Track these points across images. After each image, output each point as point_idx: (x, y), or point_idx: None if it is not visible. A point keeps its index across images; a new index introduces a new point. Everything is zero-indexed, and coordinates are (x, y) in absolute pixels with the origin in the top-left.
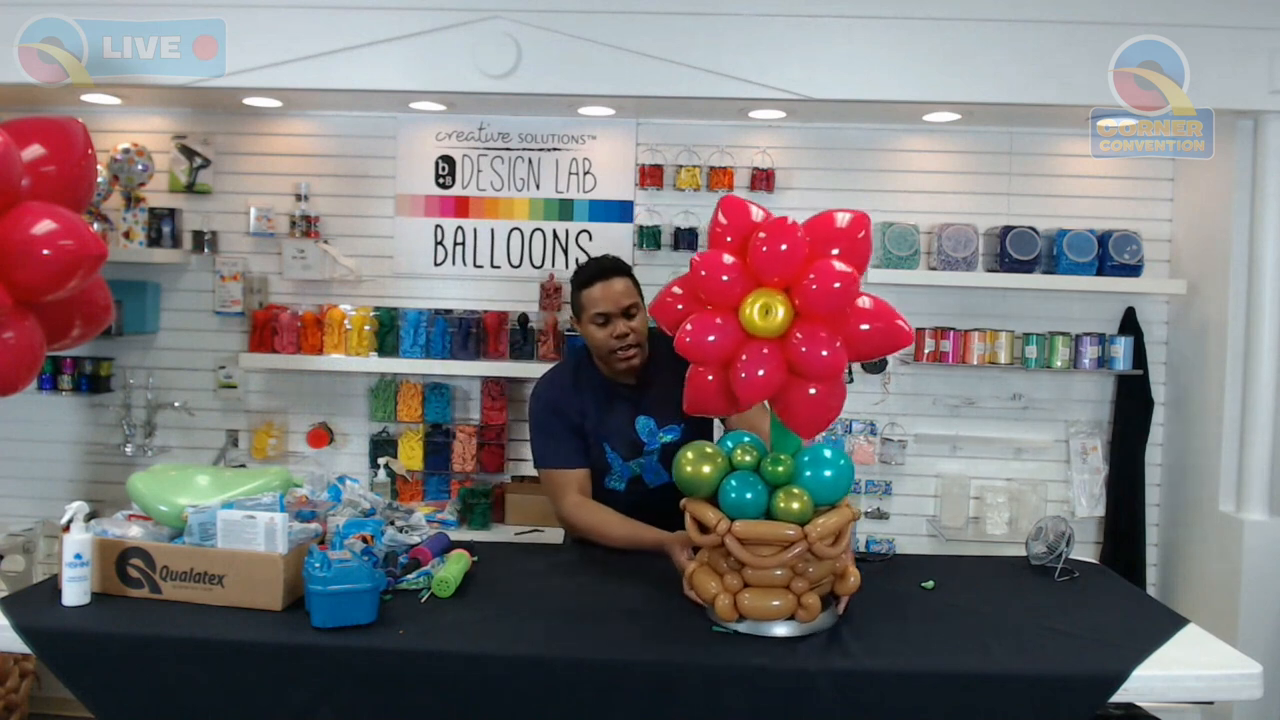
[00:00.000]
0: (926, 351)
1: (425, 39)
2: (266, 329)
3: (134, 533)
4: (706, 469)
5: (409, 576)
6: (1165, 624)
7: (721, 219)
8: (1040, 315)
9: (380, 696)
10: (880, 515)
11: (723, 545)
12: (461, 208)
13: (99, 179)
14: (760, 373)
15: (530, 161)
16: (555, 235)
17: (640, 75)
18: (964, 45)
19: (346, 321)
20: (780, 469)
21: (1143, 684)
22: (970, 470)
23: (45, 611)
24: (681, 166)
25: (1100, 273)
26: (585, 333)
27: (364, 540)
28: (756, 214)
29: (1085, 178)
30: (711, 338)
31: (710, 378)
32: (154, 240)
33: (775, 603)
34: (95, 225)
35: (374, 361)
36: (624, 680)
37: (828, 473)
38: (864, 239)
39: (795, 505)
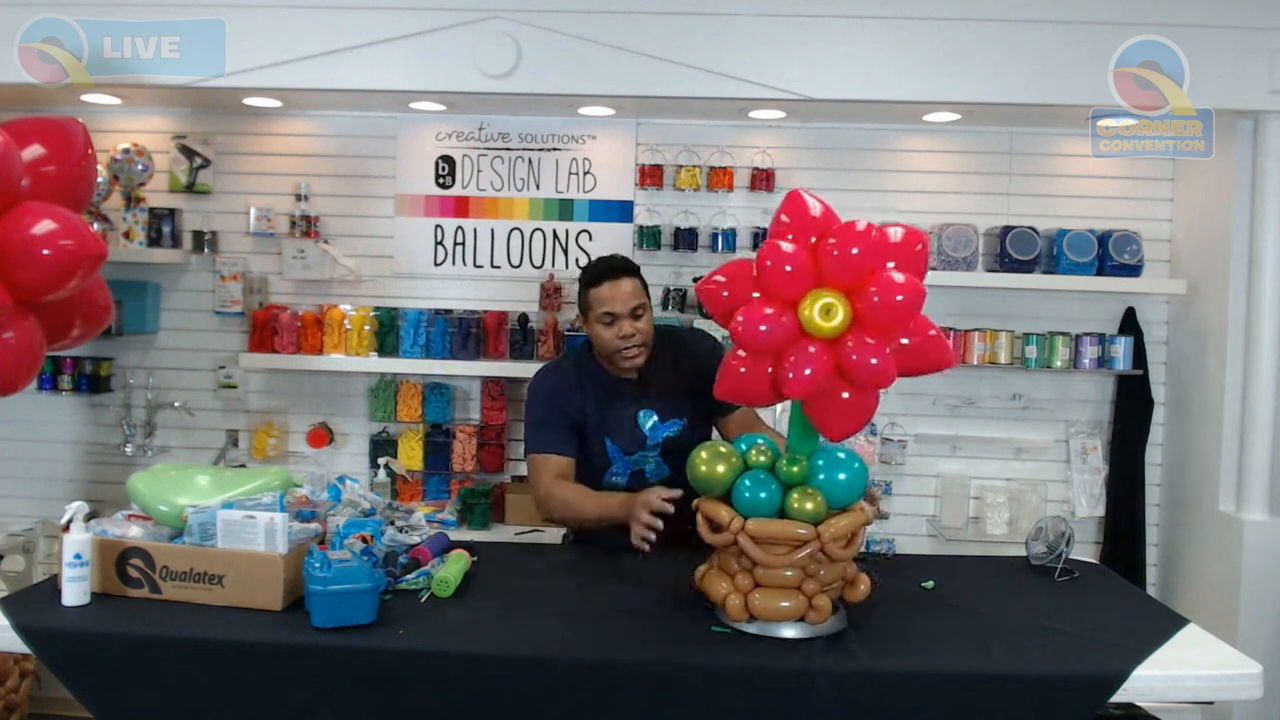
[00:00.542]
0: None
1: (425, 39)
2: (266, 329)
3: (134, 533)
4: (721, 468)
5: (409, 576)
6: (1165, 624)
7: (784, 217)
8: (1040, 315)
9: (380, 696)
10: (880, 515)
11: (735, 544)
12: (461, 208)
13: (99, 179)
14: (808, 371)
15: (530, 161)
16: (555, 235)
17: (640, 75)
18: (964, 45)
19: (346, 321)
20: (795, 469)
21: (1143, 684)
22: (970, 470)
23: (45, 611)
24: (681, 166)
25: (1100, 273)
26: (591, 331)
27: (364, 540)
28: (816, 209)
29: (1085, 178)
30: (764, 328)
31: (743, 370)
32: (154, 240)
33: (785, 603)
34: (95, 225)
35: (374, 361)
36: (624, 680)
37: (842, 475)
38: (922, 252)
39: (810, 505)
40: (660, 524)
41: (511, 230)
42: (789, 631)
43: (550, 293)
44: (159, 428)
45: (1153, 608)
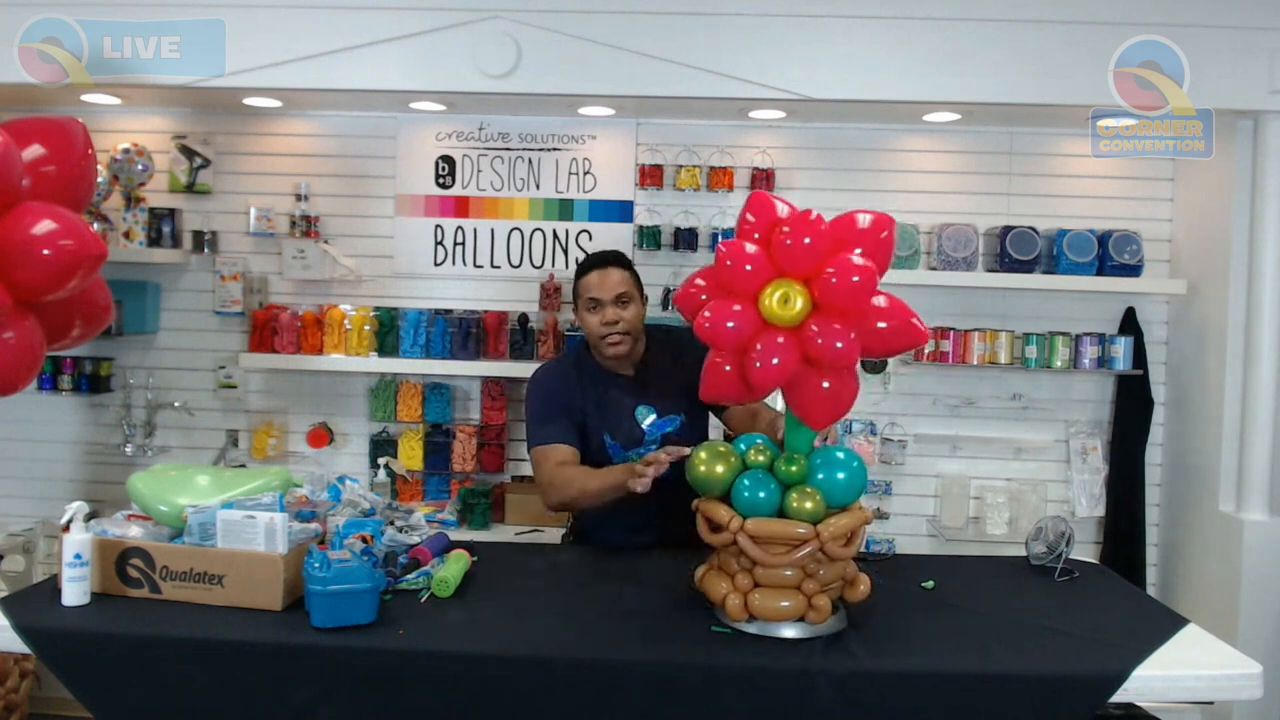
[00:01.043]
0: (926, 351)
1: (425, 39)
2: (266, 329)
3: (134, 533)
4: (720, 468)
5: (409, 576)
6: (1165, 624)
7: (749, 216)
8: (1040, 315)
9: (380, 696)
10: (880, 515)
11: (734, 544)
12: (461, 208)
13: (99, 179)
14: (775, 361)
15: (530, 161)
16: (555, 235)
17: (640, 75)
18: (964, 45)
19: (346, 321)
20: (794, 469)
21: (1143, 684)
22: (970, 470)
23: (45, 611)
24: (681, 166)
25: (1100, 273)
26: (580, 320)
27: (364, 540)
28: (783, 210)
29: (1085, 178)
30: (730, 324)
31: (728, 367)
32: (154, 240)
33: (785, 603)
34: (95, 225)
35: (374, 361)
36: (624, 680)
37: (841, 475)
38: (887, 239)
39: (809, 504)
40: (666, 463)
41: (511, 230)
42: (789, 631)
43: (550, 293)
44: (159, 428)
45: (1153, 608)
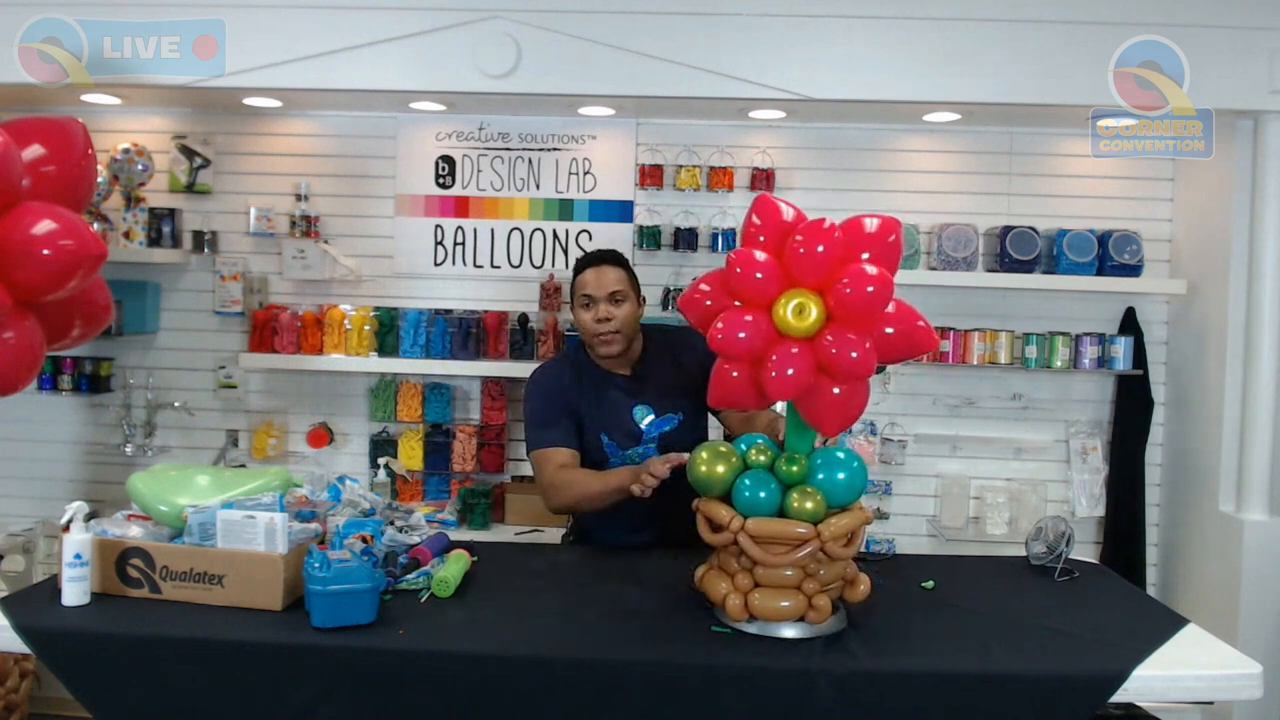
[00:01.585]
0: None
1: (425, 39)
2: (266, 329)
3: (134, 533)
4: (720, 468)
5: (409, 576)
6: (1165, 624)
7: (755, 219)
8: (1040, 315)
9: (380, 696)
10: (880, 515)
11: (735, 544)
12: (461, 208)
13: (99, 179)
14: (790, 372)
15: (530, 161)
16: (555, 235)
17: (640, 75)
18: (964, 45)
19: (346, 321)
20: (795, 469)
21: (1143, 684)
22: (970, 470)
23: (45, 611)
24: (681, 166)
25: (1100, 273)
26: (575, 317)
27: (364, 540)
28: (788, 213)
29: (1085, 178)
30: (743, 334)
31: (735, 374)
32: (154, 240)
33: (785, 603)
34: (95, 225)
35: (374, 361)
36: (624, 680)
37: (841, 475)
38: (895, 243)
39: (809, 504)
40: (666, 473)
41: (511, 230)
42: (789, 631)
43: (550, 293)
44: (159, 428)
45: (1153, 608)
